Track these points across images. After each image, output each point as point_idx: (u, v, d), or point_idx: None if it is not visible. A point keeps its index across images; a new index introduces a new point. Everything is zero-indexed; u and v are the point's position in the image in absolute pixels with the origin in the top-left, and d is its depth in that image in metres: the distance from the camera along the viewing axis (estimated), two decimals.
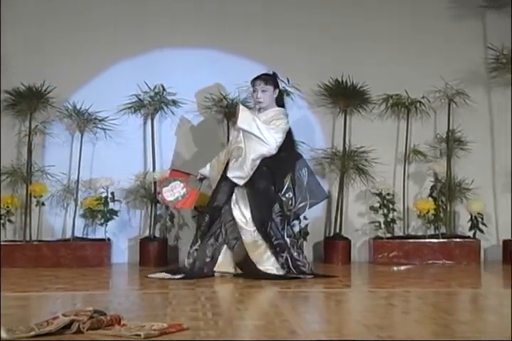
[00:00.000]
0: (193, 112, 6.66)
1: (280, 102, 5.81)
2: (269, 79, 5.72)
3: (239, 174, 5.59)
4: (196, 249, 5.67)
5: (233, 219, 5.60)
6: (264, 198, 5.59)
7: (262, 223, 5.54)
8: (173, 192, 5.95)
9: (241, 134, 5.65)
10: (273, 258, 5.54)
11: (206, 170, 5.93)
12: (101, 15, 6.64)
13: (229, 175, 5.60)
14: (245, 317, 4.01)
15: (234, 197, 5.61)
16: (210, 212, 5.70)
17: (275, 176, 5.66)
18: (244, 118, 5.61)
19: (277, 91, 5.76)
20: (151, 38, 6.63)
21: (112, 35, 6.62)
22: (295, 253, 5.60)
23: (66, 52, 6.58)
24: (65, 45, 6.59)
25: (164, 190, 5.97)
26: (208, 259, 5.62)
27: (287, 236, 5.61)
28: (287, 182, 5.69)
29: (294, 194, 5.67)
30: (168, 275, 5.58)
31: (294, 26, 6.71)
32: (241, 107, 5.66)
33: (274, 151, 5.63)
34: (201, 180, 5.97)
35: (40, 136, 6.50)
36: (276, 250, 5.52)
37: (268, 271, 5.48)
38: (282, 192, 5.65)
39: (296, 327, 3.71)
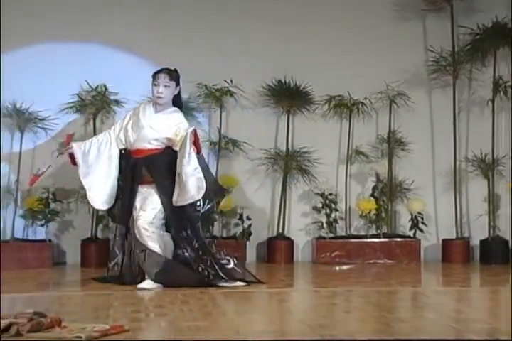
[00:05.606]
0: None
1: (178, 102, 5.35)
2: (174, 74, 5.26)
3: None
4: (116, 263, 5.31)
5: (135, 233, 5.12)
6: None
7: (181, 225, 5.17)
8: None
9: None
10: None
11: (81, 150, 5.29)
12: (38, 15, 6.54)
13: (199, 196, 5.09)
14: (188, 317, 4.00)
15: (141, 200, 5.17)
16: (125, 223, 5.25)
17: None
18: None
19: (179, 88, 5.30)
20: (93, 37, 6.55)
21: (51, 34, 6.53)
22: (216, 253, 5.25)
23: (6, 51, 6.48)
24: (4, 44, 6.49)
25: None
26: (135, 270, 5.24)
27: (204, 237, 5.28)
28: None
29: None
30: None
31: (238, 28, 6.71)
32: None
33: None
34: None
35: None
36: (199, 253, 5.16)
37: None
38: None
39: (239, 327, 3.71)
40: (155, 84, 5.24)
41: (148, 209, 5.14)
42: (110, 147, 5.31)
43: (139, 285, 5.07)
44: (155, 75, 5.26)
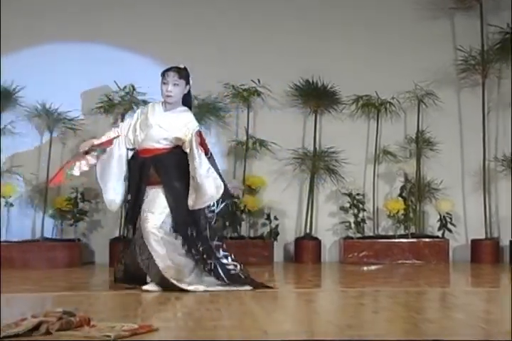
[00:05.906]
0: None
1: (188, 101, 5.18)
2: (183, 72, 5.08)
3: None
4: (121, 261, 5.17)
5: (142, 237, 4.97)
6: (185, 200, 4.95)
7: (186, 227, 5.00)
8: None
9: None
10: (195, 270, 5.01)
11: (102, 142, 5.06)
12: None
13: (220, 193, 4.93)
14: (216, 317, 4.01)
15: (149, 202, 5.00)
16: (132, 222, 5.08)
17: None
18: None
19: (188, 87, 5.11)
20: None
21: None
22: (222, 258, 5.05)
23: (36, 52, 6.53)
24: (32, 45, 6.54)
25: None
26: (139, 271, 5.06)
27: (211, 240, 5.05)
28: None
29: None
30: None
31: (267, 28, 6.72)
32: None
33: None
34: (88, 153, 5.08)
35: (7, 136, 6.46)
36: (203, 257, 4.98)
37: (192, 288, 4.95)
38: None
39: (267, 327, 3.71)
40: (164, 83, 5.06)
41: (156, 213, 4.98)
42: (119, 146, 5.15)
43: (144, 287, 4.98)
44: (164, 73, 5.08)
